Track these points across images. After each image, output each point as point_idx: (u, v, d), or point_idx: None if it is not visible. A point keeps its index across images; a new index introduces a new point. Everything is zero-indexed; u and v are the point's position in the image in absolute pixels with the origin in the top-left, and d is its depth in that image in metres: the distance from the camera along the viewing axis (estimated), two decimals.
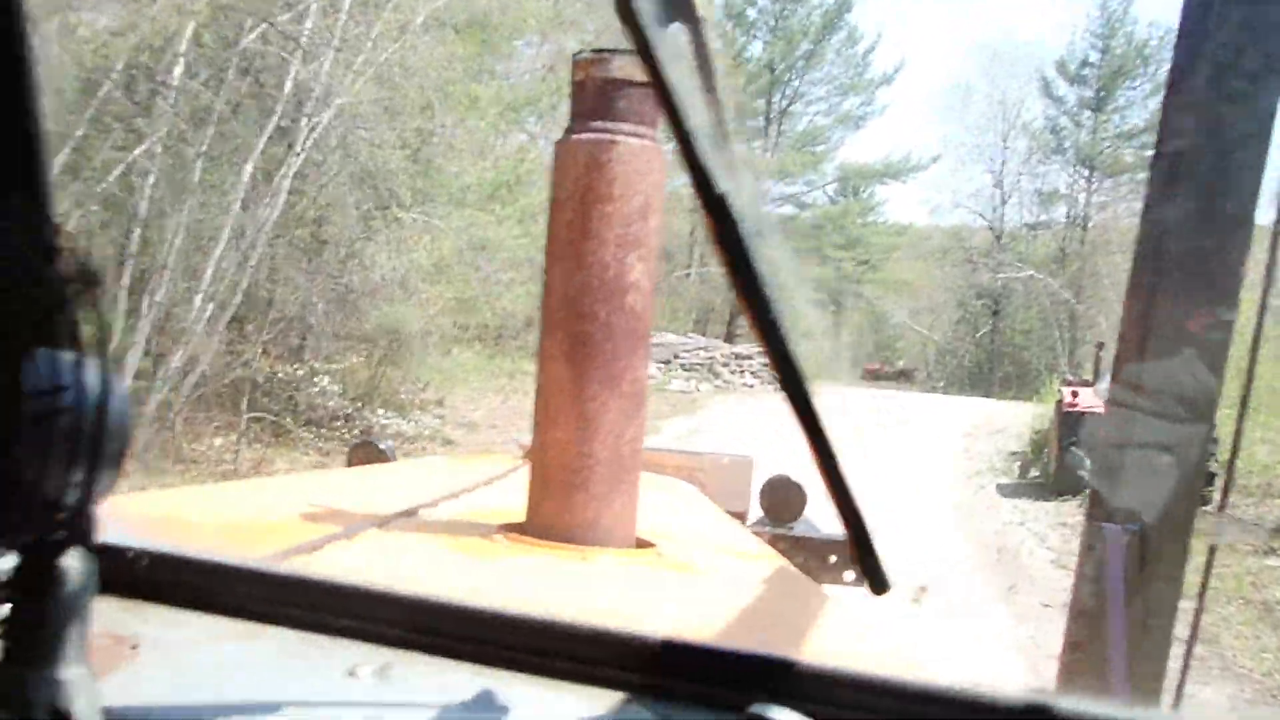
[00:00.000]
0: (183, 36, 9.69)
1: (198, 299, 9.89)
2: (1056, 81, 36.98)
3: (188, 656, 0.62)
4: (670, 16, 0.92)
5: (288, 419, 10.88)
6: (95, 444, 0.56)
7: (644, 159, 1.26)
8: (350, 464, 2.47)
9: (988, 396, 32.15)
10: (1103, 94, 35.83)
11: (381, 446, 2.53)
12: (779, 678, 0.51)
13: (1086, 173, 36.56)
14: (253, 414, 10.50)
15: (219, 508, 1.46)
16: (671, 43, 0.62)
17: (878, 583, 0.55)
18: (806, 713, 0.50)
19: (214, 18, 10.04)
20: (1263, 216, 1.78)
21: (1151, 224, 1.73)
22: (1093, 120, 36.35)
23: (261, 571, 0.69)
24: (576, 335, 1.24)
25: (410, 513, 1.43)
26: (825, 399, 0.61)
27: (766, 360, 0.57)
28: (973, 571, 8.82)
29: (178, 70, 9.75)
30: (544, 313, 1.29)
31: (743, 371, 27.69)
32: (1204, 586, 1.80)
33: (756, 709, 0.51)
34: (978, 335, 38.44)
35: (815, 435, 0.58)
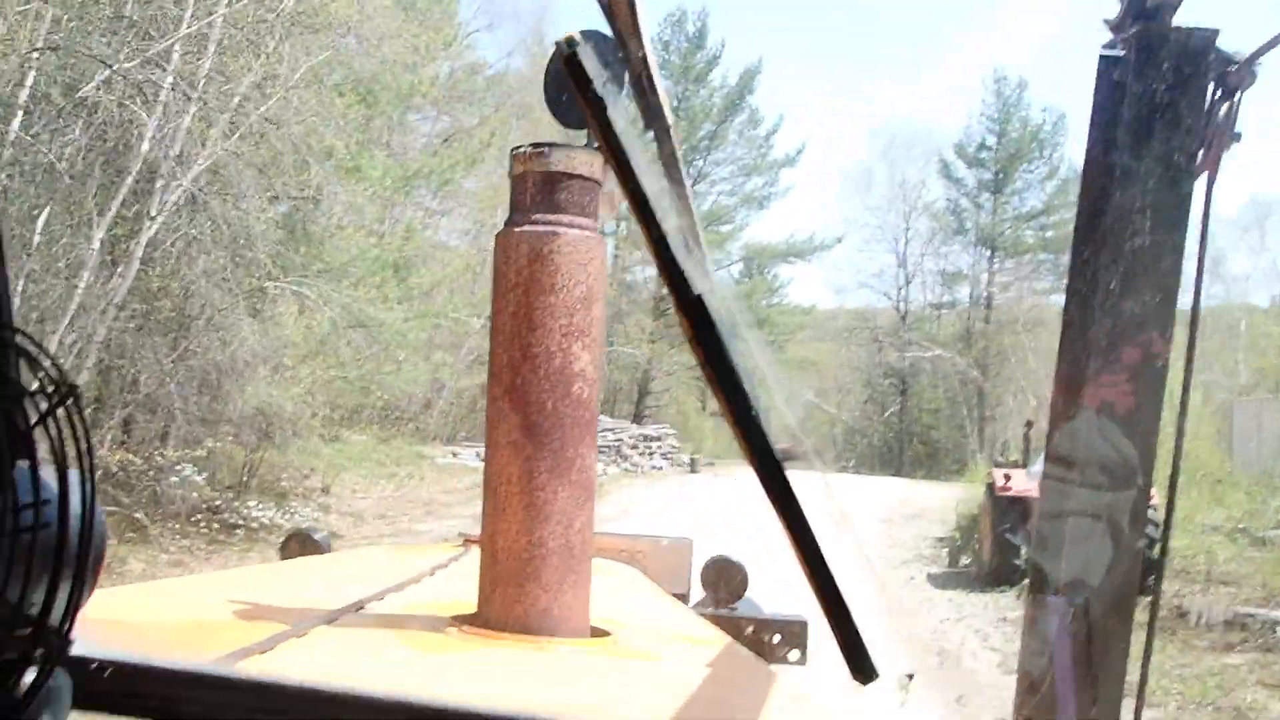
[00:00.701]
0: (23, 87, 9.41)
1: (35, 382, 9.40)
2: (955, 164, 39.33)
3: None
4: (644, 125, 0.99)
5: (139, 513, 10.35)
6: (78, 559, 0.57)
7: (585, 250, 1.35)
8: (284, 556, 2.49)
9: (897, 475, 33.02)
10: (1000, 176, 38.14)
11: (316, 537, 2.56)
12: None
13: (988, 253, 38.67)
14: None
15: (158, 607, 1.45)
16: (644, 152, 0.69)
17: (862, 670, 0.60)
18: None
19: (60, 68, 9.75)
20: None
21: (1075, 301, 1.89)
22: (992, 202, 38.61)
23: (224, 677, 0.73)
24: (524, 425, 1.29)
25: (358, 606, 1.44)
26: (801, 489, 0.66)
27: (744, 456, 0.62)
28: (916, 682, 8.69)
29: (15, 123, 9.43)
30: (490, 402, 1.34)
31: (651, 453, 27.79)
32: (1146, 658, 1.93)
33: None
34: (886, 414, 39.68)
35: (796, 527, 0.63)
